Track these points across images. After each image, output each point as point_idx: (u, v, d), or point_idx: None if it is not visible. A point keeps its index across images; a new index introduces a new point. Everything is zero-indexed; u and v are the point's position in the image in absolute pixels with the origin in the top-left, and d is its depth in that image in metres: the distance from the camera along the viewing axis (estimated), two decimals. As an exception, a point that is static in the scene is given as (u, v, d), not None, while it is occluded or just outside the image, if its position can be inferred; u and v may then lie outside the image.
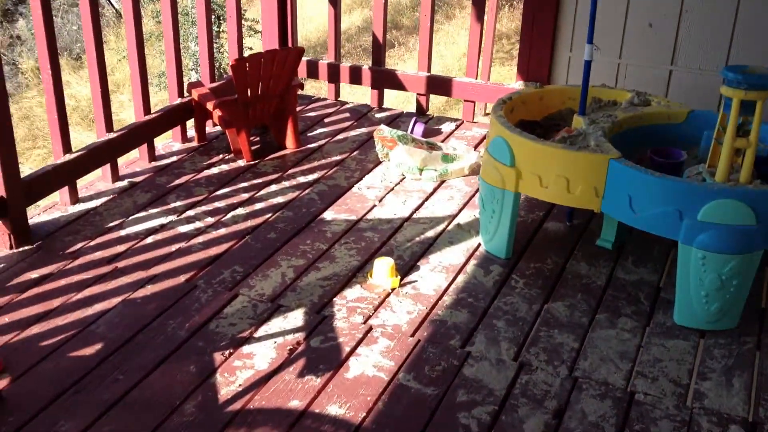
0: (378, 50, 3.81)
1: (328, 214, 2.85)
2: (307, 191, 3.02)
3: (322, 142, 3.48)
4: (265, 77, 3.13)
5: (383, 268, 2.42)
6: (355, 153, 3.37)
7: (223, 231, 2.71)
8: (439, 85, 3.75)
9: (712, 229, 2.14)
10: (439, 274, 2.51)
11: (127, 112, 10.54)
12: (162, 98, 10.72)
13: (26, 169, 10.69)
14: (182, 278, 2.42)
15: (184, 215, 2.81)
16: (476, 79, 3.69)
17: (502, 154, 2.47)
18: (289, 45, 3.86)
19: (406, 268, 2.53)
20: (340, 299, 2.35)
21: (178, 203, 2.89)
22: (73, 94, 11.32)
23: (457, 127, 3.68)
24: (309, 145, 3.43)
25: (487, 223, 2.62)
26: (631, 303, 2.39)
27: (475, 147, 3.46)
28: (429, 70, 3.77)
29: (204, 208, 2.86)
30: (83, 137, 10.15)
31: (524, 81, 3.57)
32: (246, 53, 3.39)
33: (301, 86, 3.46)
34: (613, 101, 2.81)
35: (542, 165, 2.40)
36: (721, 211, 2.12)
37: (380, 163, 3.28)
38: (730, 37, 3.20)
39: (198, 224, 2.75)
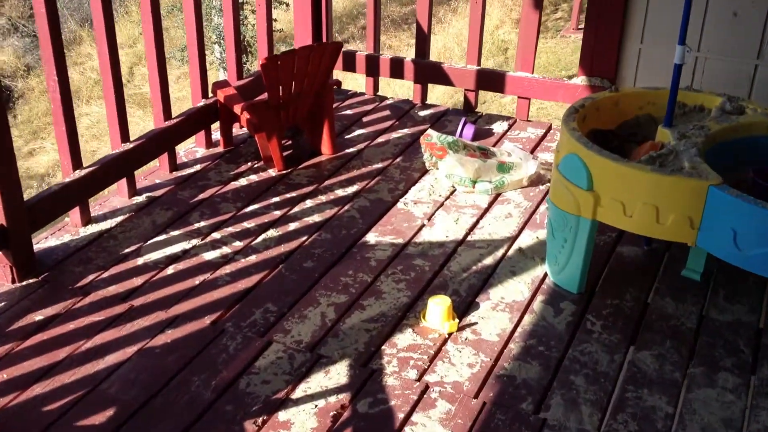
0: (422, 41, 3.47)
1: (371, 237, 2.55)
2: (346, 207, 2.71)
3: (362, 146, 3.16)
4: (299, 77, 2.82)
5: (439, 309, 2.11)
6: (398, 159, 3.05)
7: (253, 258, 2.41)
8: (491, 80, 3.40)
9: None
10: (502, 313, 2.20)
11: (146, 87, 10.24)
12: (184, 71, 10.42)
13: (48, 145, 10.50)
14: (207, 320, 2.13)
15: (209, 238, 2.51)
16: (531, 73, 3.34)
17: (578, 176, 2.14)
18: (323, 38, 3.53)
19: (463, 306, 2.22)
20: (389, 347, 2.05)
21: (203, 223, 2.60)
22: (95, 66, 11.05)
23: (510, 126, 3.34)
24: (347, 150, 3.11)
25: (557, 253, 2.29)
26: (731, 352, 2.06)
27: (532, 151, 3.13)
28: (479, 63, 3.43)
29: (231, 229, 2.57)
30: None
31: (588, 76, 3.21)
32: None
33: (338, 84, 3.14)
34: (699, 107, 2.46)
35: (626, 190, 2.07)
36: None
37: (427, 171, 2.96)
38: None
39: (225, 249, 2.45)
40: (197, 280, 2.31)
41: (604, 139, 2.43)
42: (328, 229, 2.58)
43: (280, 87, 2.80)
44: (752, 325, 2.17)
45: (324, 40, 3.53)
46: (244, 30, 10.37)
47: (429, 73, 3.49)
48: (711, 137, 2.21)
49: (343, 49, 3.36)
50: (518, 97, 3.40)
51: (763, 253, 1.89)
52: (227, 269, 2.36)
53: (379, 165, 3.01)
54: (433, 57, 3.73)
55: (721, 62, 2.99)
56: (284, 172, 2.93)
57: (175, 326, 2.10)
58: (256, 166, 2.97)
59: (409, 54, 3.40)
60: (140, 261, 2.39)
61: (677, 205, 2.01)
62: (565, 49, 6.34)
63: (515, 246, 2.52)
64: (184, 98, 8.47)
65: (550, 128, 3.33)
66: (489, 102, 6.99)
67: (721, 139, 2.26)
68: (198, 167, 2.96)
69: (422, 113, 3.47)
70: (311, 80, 2.88)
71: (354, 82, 4.87)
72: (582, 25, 3.77)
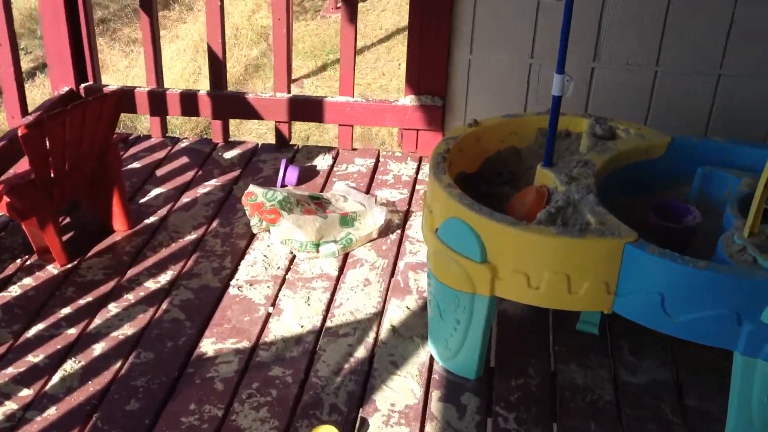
0: (218, 70, 2.96)
1: (207, 345, 2.04)
2: (164, 306, 2.18)
3: (164, 211, 2.61)
4: (73, 142, 2.21)
5: (325, 446, 1.68)
6: (214, 224, 2.55)
7: (53, 412, 1.82)
8: (306, 108, 2.98)
9: (786, 335, 1.61)
10: (399, 428, 1.81)
11: None
12: None
13: None
14: None
15: (-20, 390, 1.88)
16: (352, 96, 2.96)
17: (467, 245, 1.80)
18: (89, 77, 2.90)
19: (348, 426, 1.81)
20: None
21: (-33, 365, 1.94)
22: None
23: (335, 160, 2.95)
24: (146, 221, 2.55)
25: (447, 336, 1.94)
26: (660, 425, 1.84)
27: (368, 190, 2.75)
28: (289, 90, 2.98)
29: (12, 370, 1.94)
30: None
31: (417, 95, 2.89)
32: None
33: (125, 140, 2.55)
34: (564, 132, 2.22)
35: (530, 259, 1.76)
36: (794, 309, 1.59)
37: (254, 236, 2.48)
38: (662, 26, 2.71)
39: (9, 406, 1.83)
40: (-23, 464, 1.68)
41: (473, 185, 2.11)
42: (148, 344, 2.04)
43: (50, 159, 2.19)
44: (669, 384, 1.96)
45: (91, 79, 2.90)
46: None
47: (229, 106, 2.99)
48: (598, 174, 1.96)
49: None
50: (339, 125, 3.00)
51: (698, 318, 1.66)
52: (18, 435, 1.75)
53: (193, 235, 2.48)
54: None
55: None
56: (69, 266, 2.31)
57: None
58: (28, 263, 2.32)
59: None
60: None
61: (592, 271, 1.73)
62: (327, 31, 6.04)
63: (385, 324, 2.14)
64: None
65: (378, 157, 2.98)
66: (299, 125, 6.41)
67: (605, 174, 2.02)
68: (-54, 276, 2.26)
69: (228, 154, 2.97)
70: (89, 143, 2.28)
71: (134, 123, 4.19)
72: (341, 4, 3.40)
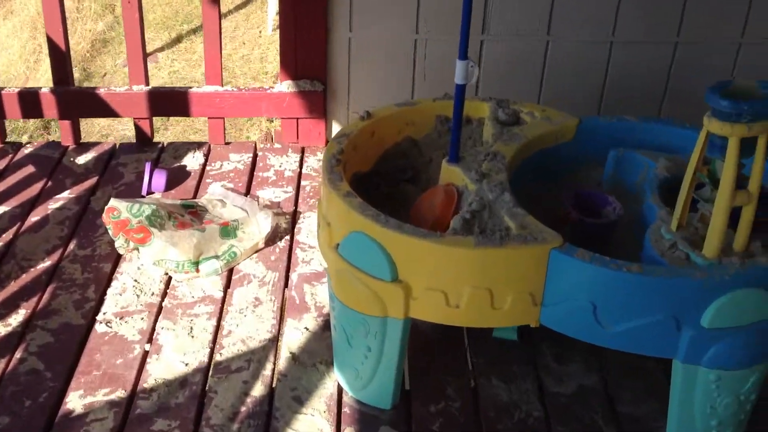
0: (60, 62, 2.59)
1: (74, 400, 1.75)
2: (19, 354, 1.86)
3: (8, 235, 2.26)
4: None
5: None
6: (71, 246, 2.22)
7: None
8: (169, 101, 2.67)
9: (727, 336, 1.50)
10: (311, 478, 1.59)
11: None
12: None
13: None
14: None
15: None
16: (221, 86, 2.67)
17: (374, 263, 1.59)
18: None
19: (253, 485, 1.58)
20: None
21: None
22: None
23: (207, 157, 2.66)
24: (-12, 248, 2.19)
25: (358, 364, 1.73)
26: (596, 439, 1.71)
27: (248, 191, 2.49)
28: (147, 83, 2.66)
29: None
30: None
31: (294, 80, 2.64)
32: None
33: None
34: (465, 119, 2.03)
35: (448, 275, 1.57)
36: (738, 308, 1.49)
37: (120, 257, 2.18)
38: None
39: None
40: None
41: (372, 185, 1.90)
42: (2, 406, 1.72)
43: None
44: (597, 390, 1.84)
45: None
46: None
47: (78, 104, 2.63)
48: (509, 167, 1.79)
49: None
50: (209, 118, 2.71)
51: (634, 326, 1.52)
52: None
53: (47, 262, 2.15)
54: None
55: (445, 42, 2.61)
56: None
57: None
58: None
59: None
60: None
61: (516, 282, 1.56)
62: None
63: (283, 351, 1.91)
64: None
65: (256, 150, 2.71)
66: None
67: (516, 166, 1.85)
68: None
69: (81, 159, 2.63)
70: None
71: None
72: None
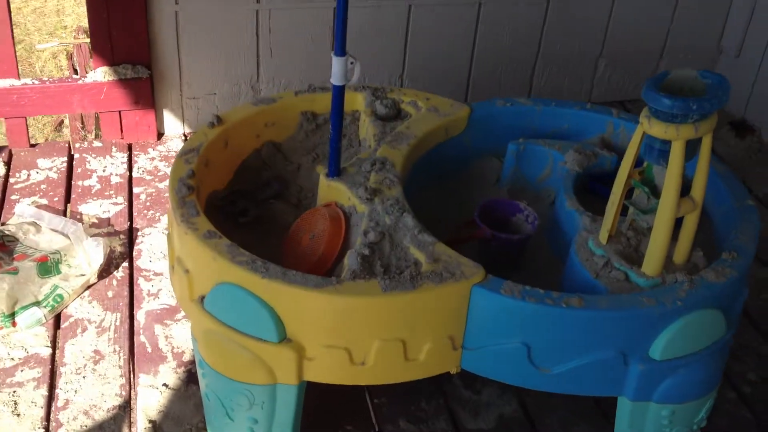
0: None
1: None
2: None
3: None
4: None
5: None
6: None
7: None
8: (-49, 102, 2.15)
9: (680, 367, 1.32)
10: None
11: None
12: None
13: None
14: None
15: None
16: (18, 78, 2.19)
17: (254, 321, 1.28)
18: None
19: None
20: None
21: None
22: None
23: (9, 166, 2.20)
24: None
25: (241, 441, 1.41)
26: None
27: (66, 209, 2.07)
28: None
29: None
30: None
31: (112, 66, 2.21)
32: None
33: None
34: (334, 111, 1.72)
35: (350, 329, 1.28)
36: (691, 334, 1.31)
37: None
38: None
39: None
40: None
41: (229, 206, 1.57)
42: None
43: None
44: (519, 419, 1.63)
45: None
46: None
47: None
48: (401, 177, 1.51)
49: None
50: (6, 119, 2.23)
51: (577, 366, 1.31)
52: None
53: None
54: None
55: (293, 12, 2.26)
56: None
57: None
58: None
59: None
60: None
61: (432, 328, 1.30)
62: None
63: (140, 421, 1.56)
64: None
65: (71, 152, 2.28)
66: None
67: (406, 173, 1.57)
68: None
69: None
70: None
71: None
72: None
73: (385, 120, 1.67)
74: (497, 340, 1.31)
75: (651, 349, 1.30)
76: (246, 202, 1.58)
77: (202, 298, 1.33)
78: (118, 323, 1.76)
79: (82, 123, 3.00)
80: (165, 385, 1.63)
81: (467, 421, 1.61)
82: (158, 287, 1.86)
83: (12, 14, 2.14)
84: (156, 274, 1.89)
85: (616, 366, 1.31)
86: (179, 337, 1.73)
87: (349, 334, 1.27)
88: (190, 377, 1.63)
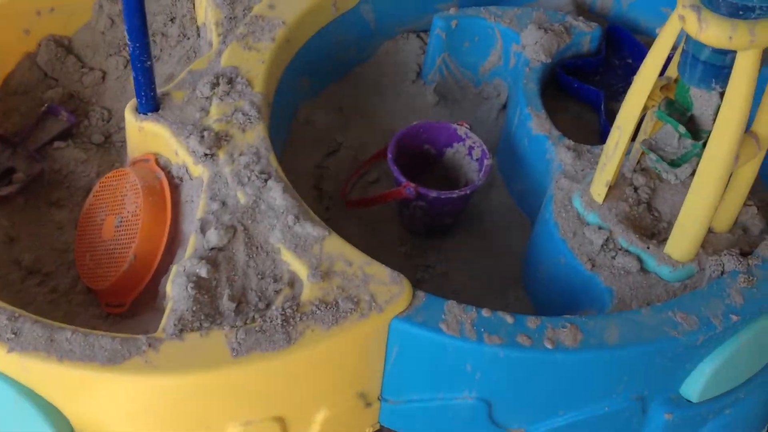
0: None
1: None
2: None
3: None
4: None
5: None
6: None
7: None
8: None
9: (728, 407, 0.85)
10: None
11: None
12: None
13: None
14: None
15: None
16: None
17: (20, 418, 0.73)
18: None
19: None
20: None
21: None
22: None
23: None
24: None
25: None
26: None
27: None
28: None
29: None
30: None
31: None
32: None
33: None
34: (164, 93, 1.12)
35: (184, 416, 0.75)
36: (746, 356, 0.85)
37: None
38: None
39: None
40: None
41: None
42: None
43: None
44: None
45: None
46: None
47: None
48: (266, 104, 0.94)
49: None
50: None
51: (564, 426, 0.83)
52: None
53: None
54: None
55: None
56: None
57: None
58: None
59: None
60: None
61: (331, 391, 0.79)
62: None
63: None
64: None
65: None
66: None
67: (268, 90, 0.99)
68: None
69: None
70: None
71: None
72: None
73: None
74: (438, 394, 0.80)
75: (683, 386, 0.82)
76: (10, 155, 0.97)
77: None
78: None
79: None
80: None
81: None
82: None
83: None
84: None
85: (629, 418, 0.83)
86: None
87: (184, 423, 0.75)
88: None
